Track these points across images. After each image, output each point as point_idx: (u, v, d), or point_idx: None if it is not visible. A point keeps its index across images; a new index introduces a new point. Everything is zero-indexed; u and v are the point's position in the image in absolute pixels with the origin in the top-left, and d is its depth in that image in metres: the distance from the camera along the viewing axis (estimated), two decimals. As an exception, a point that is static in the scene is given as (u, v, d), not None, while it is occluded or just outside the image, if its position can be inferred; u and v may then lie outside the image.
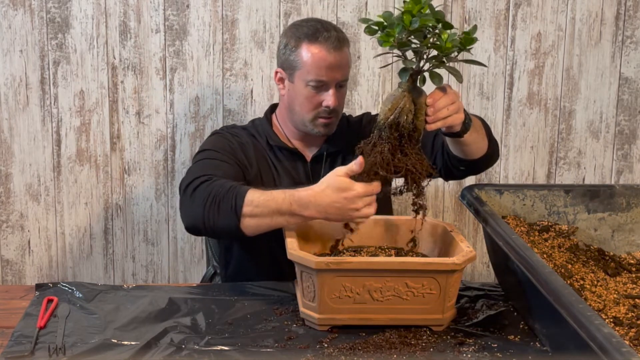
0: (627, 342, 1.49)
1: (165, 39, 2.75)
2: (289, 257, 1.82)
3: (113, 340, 1.74)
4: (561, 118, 2.90)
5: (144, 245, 2.88)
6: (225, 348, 1.72)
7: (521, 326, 1.87)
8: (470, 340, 1.78)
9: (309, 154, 2.28)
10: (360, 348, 1.72)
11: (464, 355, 1.72)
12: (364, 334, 1.79)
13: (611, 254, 2.07)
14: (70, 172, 2.81)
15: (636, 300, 1.78)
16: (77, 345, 1.72)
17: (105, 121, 2.78)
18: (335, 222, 1.93)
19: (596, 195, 2.12)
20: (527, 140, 2.90)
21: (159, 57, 2.76)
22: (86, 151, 2.80)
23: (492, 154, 2.13)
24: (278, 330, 1.81)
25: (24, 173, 2.80)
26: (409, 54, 1.80)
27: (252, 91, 2.80)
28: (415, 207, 1.89)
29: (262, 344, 1.74)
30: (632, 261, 2.06)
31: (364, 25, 1.79)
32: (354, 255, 1.94)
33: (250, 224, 1.91)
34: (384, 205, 2.29)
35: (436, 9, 1.76)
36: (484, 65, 1.93)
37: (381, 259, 1.89)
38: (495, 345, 1.77)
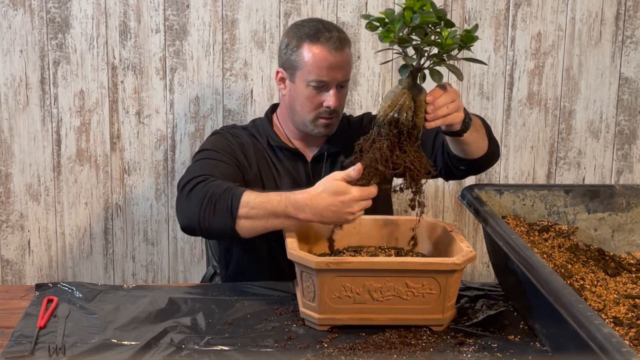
0: (627, 342, 1.49)
1: (165, 39, 2.75)
2: (289, 257, 1.82)
3: (113, 340, 1.74)
4: (561, 118, 2.90)
5: (144, 245, 2.88)
6: (225, 348, 1.72)
7: (521, 326, 1.87)
8: (470, 340, 1.78)
9: (309, 154, 2.28)
10: (360, 348, 1.72)
11: (464, 355, 1.72)
12: (364, 334, 1.79)
13: (611, 254, 2.07)
14: (70, 172, 2.81)
15: (636, 300, 1.78)
16: (77, 345, 1.72)
17: (105, 121, 2.78)
18: (327, 224, 1.94)
19: (596, 195, 2.12)
20: (527, 140, 2.90)
21: (159, 57, 2.76)
22: (86, 151, 2.80)
23: (492, 154, 2.13)
24: (278, 330, 1.81)
25: (24, 173, 2.80)
26: (410, 51, 1.80)
27: (252, 91, 2.80)
28: (413, 204, 1.89)
29: (262, 344, 1.74)
30: (632, 261, 2.06)
31: (364, 26, 1.80)
32: (354, 255, 1.94)
33: (245, 226, 1.91)
34: (384, 205, 2.29)
35: (438, 8, 1.77)
36: (485, 64, 1.93)
37: (381, 259, 1.89)
38: (495, 345, 1.77)
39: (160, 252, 2.88)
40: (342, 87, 2.19)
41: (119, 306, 1.91)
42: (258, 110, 2.79)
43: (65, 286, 2.01)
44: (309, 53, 2.14)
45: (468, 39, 1.77)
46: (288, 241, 1.85)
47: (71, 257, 2.87)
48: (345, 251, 1.99)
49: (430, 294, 1.79)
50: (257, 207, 1.89)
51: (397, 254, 1.97)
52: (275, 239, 2.00)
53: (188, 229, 2.01)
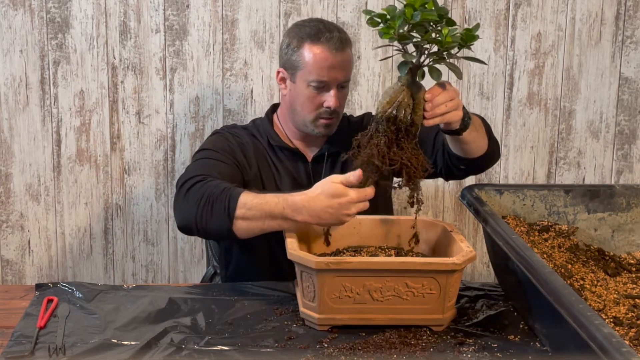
0: (627, 342, 1.49)
1: (165, 39, 2.75)
2: (289, 257, 1.82)
3: (113, 340, 1.74)
4: (561, 118, 2.90)
5: (144, 245, 2.88)
6: (225, 348, 1.72)
7: (521, 326, 1.87)
8: (470, 340, 1.78)
9: (310, 154, 2.28)
10: (360, 348, 1.72)
11: (464, 355, 1.72)
12: (364, 334, 1.79)
13: (611, 254, 2.07)
14: (70, 172, 2.81)
15: (636, 300, 1.78)
16: (77, 345, 1.71)
17: (105, 121, 2.78)
18: (325, 226, 1.94)
19: (596, 195, 2.12)
20: (527, 140, 2.90)
21: (159, 57, 2.76)
22: (86, 151, 2.80)
23: (492, 153, 2.13)
24: (278, 330, 1.81)
25: (24, 173, 2.80)
26: (410, 48, 1.80)
27: (252, 91, 2.80)
28: (412, 201, 1.89)
29: (262, 344, 1.74)
30: (632, 261, 2.06)
31: (364, 23, 1.80)
32: (354, 255, 1.94)
33: (242, 227, 1.91)
34: (384, 204, 2.29)
35: (440, 6, 1.77)
36: (484, 63, 1.93)
37: (381, 259, 1.89)
38: (495, 345, 1.77)
39: (160, 252, 2.89)
40: (342, 87, 2.19)
41: (119, 306, 1.91)
42: (258, 110, 2.79)
43: (65, 286, 2.01)
44: (310, 53, 2.14)
45: (468, 37, 1.77)
46: (288, 241, 1.85)
47: (71, 257, 2.87)
48: (345, 251, 1.99)
49: (430, 294, 1.79)
50: (254, 208, 1.89)
51: (397, 254, 1.97)
52: (275, 239, 2.00)
53: (185, 229, 2.01)
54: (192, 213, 1.94)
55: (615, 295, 1.80)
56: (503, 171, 2.92)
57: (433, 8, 1.74)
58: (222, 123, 2.79)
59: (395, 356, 1.70)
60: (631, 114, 2.91)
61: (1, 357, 1.66)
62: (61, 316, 1.85)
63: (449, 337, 1.80)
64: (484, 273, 3.01)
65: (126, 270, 2.89)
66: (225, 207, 1.90)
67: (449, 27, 1.75)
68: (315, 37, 2.15)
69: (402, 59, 1.80)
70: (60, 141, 2.79)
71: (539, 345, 1.77)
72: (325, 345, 1.74)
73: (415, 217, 1.95)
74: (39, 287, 2.01)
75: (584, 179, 2.94)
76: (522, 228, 2.02)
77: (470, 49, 1.81)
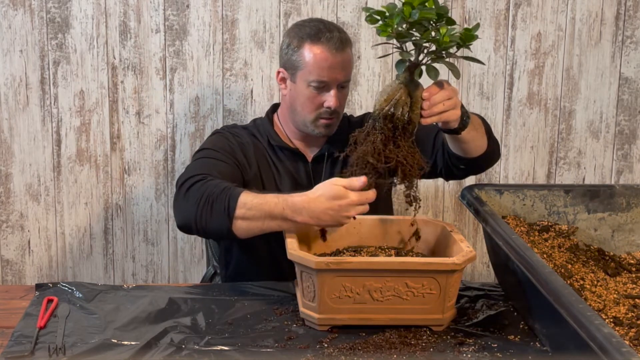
0: (627, 342, 1.49)
1: (165, 39, 2.75)
2: (289, 257, 1.82)
3: (113, 340, 1.74)
4: (561, 118, 2.90)
5: (144, 245, 2.88)
6: (225, 348, 1.72)
7: (521, 326, 1.87)
8: (470, 340, 1.78)
9: (310, 154, 2.28)
10: (360, 348, 1.72)
11: (464, 355, 1.72)
12: (364, 334, 1.79)
13: (611, 254, 2.07)
14: (70, 172, 2.81)
15: (636, 300, 1.78)
16: (77, 345, 1.71)
17: (105, 121, 2.78)
18: (324, 227, 1.94)
19: (596, 195, 2.12)
20: (527, 140, 2.91)
21: (159, 57, 2.76)
22: (86, 151, 2.80)
23: (491, 153, 2.13)
24: (278, 330, 1.81)
25: (24, 173, 2.80)
26: (409, 47, 1.80)
27: (252, 91, 2.80)
28: (409, 200, 1.89)
29: (262, 344, 1.74)
30: (632, 261, 2.06)
31: (364, 26, 1.80)
32: (354, 255, 1.94)
33: (242, 227, 1.91)
34: (384, 204, 2.29)
35: (441, 5, 1.77)
36: (482, 63, 1.93)
37: (381, 259, 1.89)
38: (495, 345, 1.76)
39: (160, 252, 2.89)
40: (342, 87, 2.19)
41: (119, 306, 1.91)
42: (258, 110, 2.79)
43: (65, 286, 2.01)
44: (310, 53, 2.14)
45: (467, 37, 1.77)
46: (288, 241, 1.85)
47: (71, 257, 2.87)
48: (345, 251, 1.99)
49: (430, 294, 1.79)
50: (254, 208, 1.89)
51: (397, 254, 1.97)
52: (275, 239, 2.00)
53: (185, 228, 2.01)
54: (191, 212, 1.94)
55: (615, 295, 1.80)
56: (503, 171, 2.92)
57: (433, 6, 1.74)
58: (222, 123, 2.79)
59: (395, 356, 1.70)
60: (631, 114, 2.91)
61: (1, 357, 1.66)
62: (61, 316, 1.85)
63: (449, 337, 1.80)
64: (484, 273, 3.01)
65: (126, 270, 2.89)
66: (225, 206, 1.90)
67: (448, 27, 1.75)
68: (316, 37, 2.15)
69: (400, 57, 1.81)
70: (60, 141, 2.79)
71: (539, 345, 1.77)
72: (325, 345, 1.74)
73: (414, 215, 1.95)
74: (39, 287, 2.01)
75: (584, 179, 2.94)
76: (522, 228, 2.02)
77: (469, 48, 1.81)
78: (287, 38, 2.22)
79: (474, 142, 2.04)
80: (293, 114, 2.23)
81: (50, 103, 2.76)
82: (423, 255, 1.99)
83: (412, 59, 1.80)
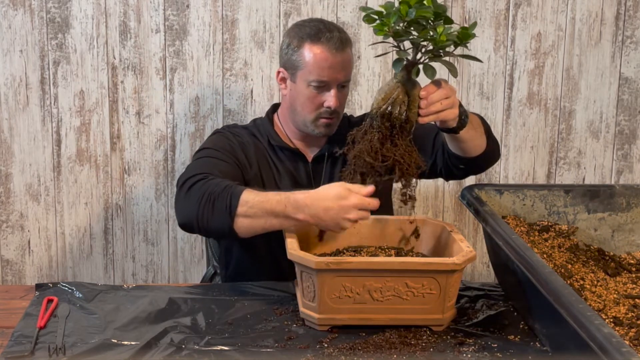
0: (627, 342, 1.49)
1: (165, 39, 2.75)
2: (289, 257, 1.82)
3: (113, 340, 1.74)
4: (561, 118, 2.90)
5: (144, 245, 2.88)
6: (225, 348, 1.72)
7: (521, 326, 1.87)
8: (470, 340, 1.78)
9: (310, 154, 2.28)
10: (360, 348, 1.72)
11: (464, 355, 1.72)
12: (364, 334, 1.79)
13: (611, 254, 2.07)
14: (70, 172, 2.81)
15: (636, 300, 1.78)
16: (77, 345, 1.71)
17: (105, 121, 2.78)
18: (324, 229, 1.93)
19: (596, 195, 2.12)
20: (527, 140, 2.90)
21: (159, 57, 2.76)
22: (86, 151, 2.80)
23: (491, 152, 2.13)
24: (278, 330, 1.81)
25: (24, 173, 2.80)
26: (407, 45, 1.80)
27: (252, 91, 2.80)
28: (405, 198, 1.90)
29: (262, 344, 1.74)
30: (632, 261, 2.06)
31: (364, 26, 1.80)
32: (354, 255, 1.94)
33: (243, 225, 1.91)
34: (384, 204, 2.29)
35: (438, 4, 1.77)
36: (480, 61, 1.93)
37: (381, 259, 1.89)
38: (495, 345, 1.76)
39: (160, 252, 2.89)
40: (343, 87, 2.19)
41: (119, 306, 1.91)
42: (258, 110, 2.79)
43: (65, 286, 2.01)
44: (310, 53, 2.14)
45: (464, 36, 1.77)
46: (288, 241, 1.85)
47: (71, 257, 2.87)
48: (345, 251, 1.99)
49: (430, 294, 1.79)
50: (256, 206, 1.89)
51: (397, 254, 1.97)
52: (275, 238, 2.00)
53: (186, 226, 2.01)
54: (193, 210, 1.94)
55: (615, 295, 1.80)
56: (503, 171, 2.92)
57: (430, 5, 1.74)
58: (222, 123, 2.79)
59: (395, 356, 1.69)
60: (631, 114, 2.91)
61: (1, 357, 1.66)
62: (61, 316, 1.85)
63: (449, 337, 1.80)
64: (484, 273, 3.01)
65: (126, 270, 2.89)
66: (227, 204, 1.89)
67: (445, 25, 1.75)
68: (316, 37, 2.15)
69: (397, 56, 1.81)
70: (60, 141, 2.79)
71: (539, 345, 1.77)
72: (325, 345, 1.74)
73: (410, 213, 1.96)
74: (39, 287, 2.01)
75: (584, 179, 2.94)
76: (522, 228, 2.02)
77: (467, 47, 1.80)
78: (287, 38, 2.22)
79: (473, 142, 2.04)
80: (293, 114, 2.23)
81: (50, 103, 2.76)
82: (423, 255, 1.99)
83: (410, 57, 1.80)
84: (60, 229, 2.84)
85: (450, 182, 2.86)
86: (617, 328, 1.63)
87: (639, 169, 2.95)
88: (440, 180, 2.87)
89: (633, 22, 2.85)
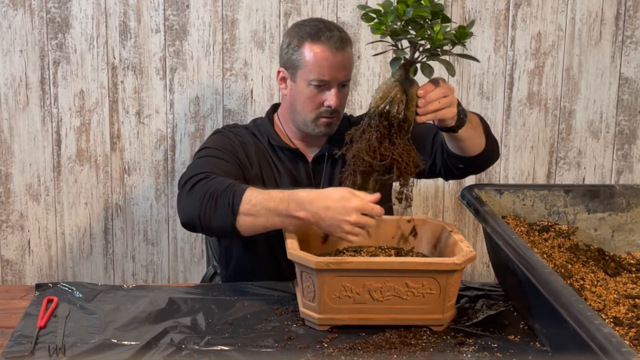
0: (627, 342, 1.49)
1: (165, 39, 2.75)
2: (289, 257, 1.81)
3: (113, 340, 1.74)
4: (561, 118, 2.90)
5: (144, 245, 2.88)
6: (225, 348, 1.72)
7: (521, 326, 1.87)
8: (470, 340, 1.78)
9: (310, 154, 2.28)
10: (360, 348, 1.72)
11: (464, 355, 1.72)
12: (364, 334, 1.79)
13: (611, 254, 2.07)
14: (70, 172, 2.81)
15: (636, 300, 1.78)
16: (77, 345, 1.71)
17: (105, 121, 2.78)
18: (325, 231, 1.91)
19: (596, 195, 2.12)
20: (527, 140, 2.90)
21: (159, 57, 2.76)
22: (86, 151, 2.80)
23: (490, 152, 2.13)
24: (278, 330, 1.81)
25: (24, 173, 2.80)
26: (405, 44, 1.80)
27: (252, 91, 2.80)
28: (401, 197, 1.90)
29: (262, 344, 1.74)
30: (632, 261, 2.06)
31: (364, 26, 1.80)
32: (354, 255, 1.94)
33: (245, 222, 1.90)
34: (384, 204, 2.29)
35: (436, 3, 1.77)
36: (477, 61, 1.93)
37: (381, 259, 1.89)
38: (495, 345, 1.76)
39: (160, 252, 2.89)
40: (343, 86, 2.19)
41: (119, 306, 1.91)
42: (258, 110, 2.79)
43: (65, 286, 2.01)
44: (310, 52, 2.14)
45: (462, 35, 1.77)
46: (288, 241, 1.85)
47: (71, 257, 2.87)
48: (345, 251, 1.99)
49: (430, 294, 1.79)
50: (258, 204, 1.88)
51: (397, 254, 1.97)
52: (275, 238, 2.00)
53: (188, 225, 2.00)
54: (195, 208, 1.94)
55: (615, 295, 1.80)
56: (503, 171, 2.92)
57: (428, 4, 1.74)
58: (222, 123, 2.79)
59: (395, 356, 1.69)
60: (631, 114, 2.91)
61: (1, 357, 1.66)
62: (61, 316, 1.85)
63: (449, 337, 1.80)
64: (484, 273, 3.01)
65: (126, 270, 2.89)
66: (230, 202, 1.89)
67: (442, 24, 1.75)
68: (316, 36, 2.15)
69: (395, 55, 1.81)
70: (60, 141, 2.79)
71: (539, 345, 1.77)
72: (325, 345, 1.74)
73: (403, 213, 1.96)
74: (39, 287, 2.01)
75: (584, 179, 2.94)
76: (522, 228, 2.02)
77: (464, 46, 1.80)
78: (287, 37, 2.22)
79: (472, 141, 2.04)
80: (293, 114, 2.23)
81: (50, 103, 2.76)
82: (423, 255, 1.99)
83: (407, 56, 1.80)
84: (60, 229, 2.84)
85: (450, 182, 2.86)
86: (617, 328, 1.63)
87: (639, 169, 2.95)
88: (440, 180, 2.87)
89: (633, 22, 2.85)
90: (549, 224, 2.09)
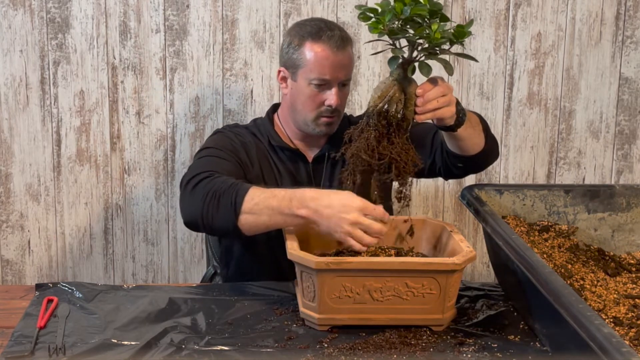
0: (627, 342, 1.49)
1: (165, 39, 2.75)
2: (289, 257, 1.81)
3: (113, 340, 1.74)
4: (561, 118, 2.90)
5: (144, 245, 2.88)
6: (225, 348, 1.72)
7: (521, 326, 1.87)
8: (470, 340, 1.78)
9: (310, 154, 2.28)
10: (360, 348, 1.72)
11: (464, 355, 1.72)
12: (364, 334, 1.79)
13: (611, 254, 2.07)
14: (70, 172, 2.81)
15: (636, 300, 1.78)
16: (77, 345, 1.71)
17: (105, 121, 2.78)
18: (325, 231, 1.89)
19: (596, 195, 2.12)
20: (527, 140, 2.91)
21: (159, 57, 2.76)
22: (86, 151, 2.80)
23: (489, 151, 2.13)
24: (278, 330, 1.81)
25: (24, 173, 2.80)
26: (403, 43, 1.80)
27: (252, 91, 2.80)
28: (399, 197, 1.90)
29: (262, 344, 1.74)
30: (632, 261, 2.06)
31: (364, 26, 1.80)
32: (354, 255, 1.94)
33: (248, 221, 1.90)
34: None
35: (434, 1, 1.77)
36: (476, 60, 1.93)
37: (381, 259, 1.89)
38: (495, 345, 1.76)
39: (160, 252, 2.89)
40: (343, 85, 2.19)
41: (119, 306, 1.91)
42: (258, 110, 2.79)
43: (65, 286, 2.01)
44: (311, 51, 2.14)
45: (460, 34, 1.77)
46: (288, 241, 1.85)
47: (71, 257, 2.87)
48: (345, 251, 1.99)
49: (430, 294, 1.79)
50: (261, 202, 1.88)
51: (397, 254, 1.97)
52: (276, 238, 2.00)
53: (191, 224, 2.00)
54: (198, 207, 1.94)
55: (615, 295, 1.80)
56: (503, 171, 2.92)
57: (427, 4, 1.74)
58: (222, 123, 2.79)
59: (395, 356, 1.69)
60: (631, 114, 2.91)
61: (1, 357, 1.66)
62: (61, 316, 1.85)
63: (449, 337, 1.80)
64: (484, 273, 3.01)
65: (126, 270, 2.89)
66: (232, 201, 1.89)
67: (440, 23, 1.75)
68: (317, 36, 2.15)
69: (393, 54, 1.81)
70: (60, 141, 2.79)
71: (539, 345, 1.77)
72: (325, 345, 1.74)
73: (400, 212, 1.96)
74: (39, 287, 2.01)
75: (584, 179, 2.94)
76: (522, 228, 2.02)
77: (462, 45, 1.80)
78: (287, 37, 2.22)
79: (471, 140, 2.03)
80: (294, 113, 2.23)
81: (50, 103, 2.76)
82: (423, 255, 1.99)
83: (405, 55, 1.80)
84: (60, 229, 2.84)
85: (450, 182, 2.86)
86: (617, 328, 1.63)
87: (639, 169, 2.95)
88: (440, 180, 2.87)
89: (633, 22, 2.85)
90: (549, 224, 2.09)
